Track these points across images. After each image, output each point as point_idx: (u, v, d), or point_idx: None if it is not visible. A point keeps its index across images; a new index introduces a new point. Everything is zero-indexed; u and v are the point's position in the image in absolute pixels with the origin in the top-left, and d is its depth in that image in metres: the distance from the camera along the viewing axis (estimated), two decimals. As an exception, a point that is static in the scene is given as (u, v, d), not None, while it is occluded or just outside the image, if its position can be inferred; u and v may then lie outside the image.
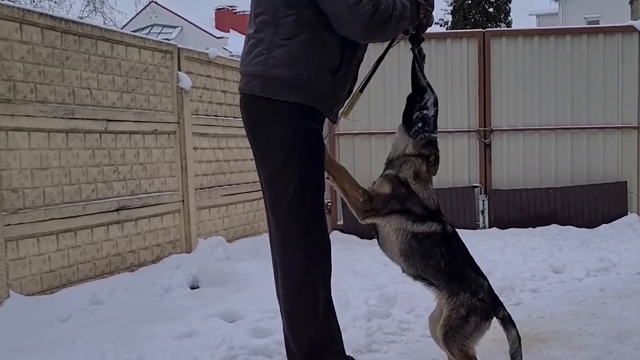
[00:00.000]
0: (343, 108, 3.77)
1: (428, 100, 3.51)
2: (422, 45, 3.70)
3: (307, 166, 3.49)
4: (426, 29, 3.64)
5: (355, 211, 3.60)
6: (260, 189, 3.70)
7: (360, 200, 3.55)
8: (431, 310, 5.36)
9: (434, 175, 3.62)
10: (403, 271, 3.73)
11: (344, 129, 9.90)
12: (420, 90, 3.55)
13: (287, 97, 3.44)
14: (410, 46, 3.64)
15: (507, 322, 3.68)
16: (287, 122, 3.45)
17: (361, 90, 3.81)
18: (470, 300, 3.60)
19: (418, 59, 3.60)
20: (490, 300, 3.67)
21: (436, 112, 3.51)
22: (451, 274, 3.63)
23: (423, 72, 3.59)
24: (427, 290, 3.78)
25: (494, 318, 3.66)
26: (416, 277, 3.69)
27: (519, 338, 3.69)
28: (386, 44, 3.82)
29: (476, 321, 3.61)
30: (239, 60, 3.81)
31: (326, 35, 3.41)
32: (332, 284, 3.70)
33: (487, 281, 3.75)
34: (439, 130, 3.67)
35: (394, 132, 3.81)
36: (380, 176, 3.68)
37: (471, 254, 3.79)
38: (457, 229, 9.41)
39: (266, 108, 3.51)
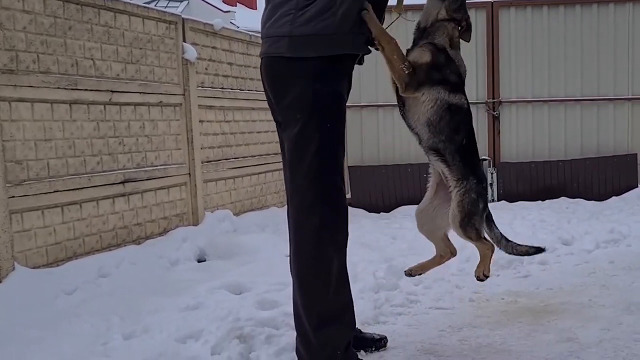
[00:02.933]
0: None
1: None
2: None
3: (326, 131, 3.43)
4: None
5: (399, 83, 3.53)
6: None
7: (406, 72, 3.48)
8: (440, 280, 5.38)
9: (468, 42, 3.61)
10: (420, 142, 3.69)
11: (351, 101, 9.78)
12: None
13: (313, 52, 3.37)
14: None
15: (491, 220, 3.82)
16: (309, 84, 3.38)
17: None
18: (478, 186, 3.66)
19: None
20: (486, 188, 3.80)
21: None
22: (467, 155, 3.65)
23: None
24: (435, 169, 3.79)
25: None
26: (432, 149, 3.66)
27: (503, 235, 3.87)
28: None
29: (483, 205, 3.68)
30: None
31: None
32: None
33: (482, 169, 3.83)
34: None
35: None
36: (415, 45, 3.62)
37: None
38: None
39: (288, 68, 3.44)
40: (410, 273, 4.06)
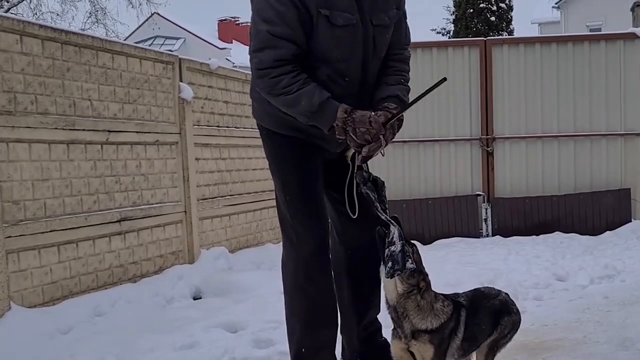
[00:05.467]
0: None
1: (393, 234, 3.39)
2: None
3: (276, 173, 3.71)
4: (361, 155, 3.33)
5: None
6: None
7: None
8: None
9: (429, 299, 3.52)
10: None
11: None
12: (385, 225, 3.44)
13: (259, 120, 3.70)
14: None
15: None
16: (267, 144, 3.72)
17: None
18: (509, 319, 3.77)
19: (369, 195, 3.46)
20: (517, 309, 3.87)
21: (403, 245, 3.38)
22: (490, 322, 3.73)
23: (381, 207, 3.45)
24: None
25: None
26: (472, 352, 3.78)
27: None
28: None
29: (512, 335, 3.82)
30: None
31: None
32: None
33: (500, 293, 3.91)
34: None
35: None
36: (404, 330, 3.56)
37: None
38: (460, 238, 9.34)
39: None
40: None
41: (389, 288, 3.51)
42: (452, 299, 3.66)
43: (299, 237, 3.59)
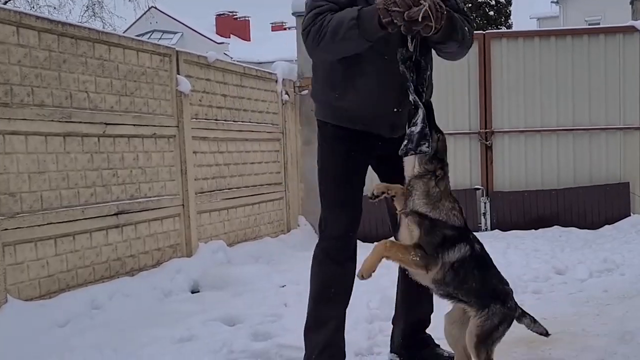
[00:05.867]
0: None
1: (418, 116, 3.38)
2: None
3: (319, 163, 3.92)
4: (410, 29, 3.23)
5: (422, 269, 3.47)
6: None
7: (418, 258, 3.43)
8: (435, 311, 5.31)
9: (443, 190, 3.49)
10: (429, 290, 3.71)
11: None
12: (414, 104, 3.43)
13: (316, 115, 3.91)
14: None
15: (521, 316, 3.87)
16: (319, 136, 3.93)
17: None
18: (501, 310, 3.66)
19: (405, 74, 3.43)
20: (515, 306, 3.78)
21: (423, 128, 3.36)
22: (482, 291, 3.64)
23: (418, 89, 3.46)
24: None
25: None
26: (445, 297, 3.68)
27: (533, 318, 3.95)
28: None
29: (504, 328, 3.70)
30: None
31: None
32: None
33: (509, 286, 3.81)
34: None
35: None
36: (406, 207, 3.53)
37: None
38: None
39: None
40: None
41: (407, 167, 3.53)
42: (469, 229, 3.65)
43: (327, 224, 3.84)
